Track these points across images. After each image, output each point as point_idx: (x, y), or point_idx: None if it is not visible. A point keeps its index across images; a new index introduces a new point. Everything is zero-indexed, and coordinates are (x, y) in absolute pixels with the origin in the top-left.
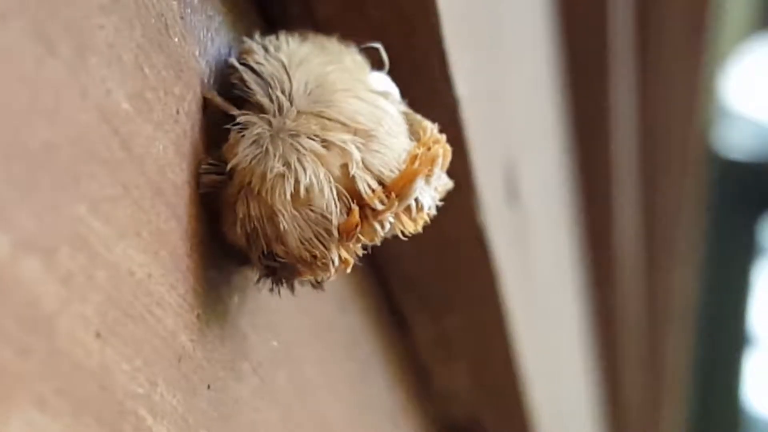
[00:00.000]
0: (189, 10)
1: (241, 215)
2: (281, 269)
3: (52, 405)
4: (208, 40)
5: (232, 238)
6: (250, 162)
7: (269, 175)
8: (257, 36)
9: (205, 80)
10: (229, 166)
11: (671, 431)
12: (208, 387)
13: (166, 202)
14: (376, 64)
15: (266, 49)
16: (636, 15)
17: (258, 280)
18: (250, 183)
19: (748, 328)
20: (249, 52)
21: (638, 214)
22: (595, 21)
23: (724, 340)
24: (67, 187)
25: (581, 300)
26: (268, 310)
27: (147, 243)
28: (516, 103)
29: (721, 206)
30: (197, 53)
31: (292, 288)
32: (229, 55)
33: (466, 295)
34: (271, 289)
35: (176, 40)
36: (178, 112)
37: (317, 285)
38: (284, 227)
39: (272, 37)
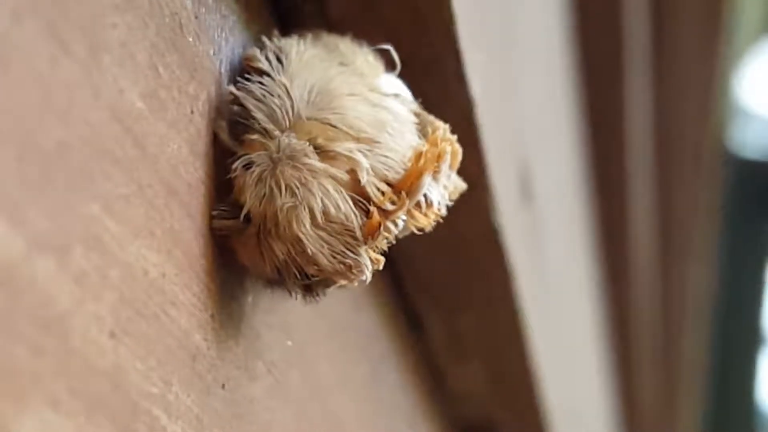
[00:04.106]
0: (203, 10)
1: (268, 258)
2: (316, 284)
3: (65, 404)
4: (222, 39)
5: (261, 273)
6: (260, 205)
7: (281, 214)
8: (265, 38)
9: (219, 80)
10: (242, 215)
11: (686, 430)
12: (222, 386)
13: (179, 202)
14: (391, 64)
15: (270, 54)
16: (651, 14)
17: (294, 294)
18: (266, 225)
19: (762, 326)
20: (252, 60)
21: (652, 213)
22: (609, 20)
23: (739, 339)
24: (80, 186)
25: (595, 299)
26: (282, 309)
27: (161, 242)
28: (530, 102)
29: (736, 205)
30: (211, 52)
31: (323, 294)
32: (243, 53)
33: (480, 295)
34: (306, 300)
35: (190, 39)
36: (192, 112)
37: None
38: (311, 251)
39: (281, 40)
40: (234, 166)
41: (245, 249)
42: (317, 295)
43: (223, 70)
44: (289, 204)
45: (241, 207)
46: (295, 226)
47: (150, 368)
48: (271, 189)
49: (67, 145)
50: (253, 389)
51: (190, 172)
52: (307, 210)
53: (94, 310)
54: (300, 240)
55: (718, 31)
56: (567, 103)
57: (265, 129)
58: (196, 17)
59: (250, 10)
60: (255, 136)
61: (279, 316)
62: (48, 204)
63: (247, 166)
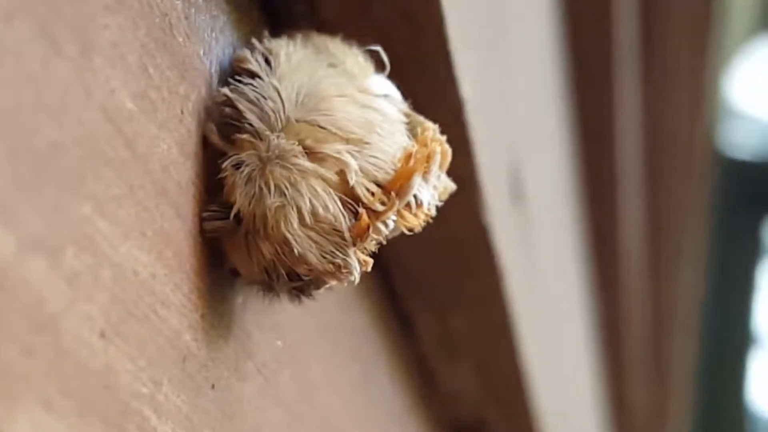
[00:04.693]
0: (193, 10)
1: (255, 258)
2: (307, 285)
3: (57, 405)
4: (212, 39)
5: (251, 275)
6: (249, 204)
7: (270, 213)
8: (254, 40)
9: (209, 80)
10: (232, 214)
11: (677, 430)
12: (213, 387)
13: (170, 202)
14: (381, 65)
15: (259, 56)
16: (641, 15)
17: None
18: (254, 225)
19: (752, 328)
20: (243, 61)
21: (643, 214)
22: (600, 21)
23: (729, 341)
24: (72, 186)
25: (586, 300)
26: (273, 309)
27: (151, 243)
28: (521, 103)
29: (726, 206)
30: (202, 53)
31: (313, 295)
32: (233, 54)
33: (470, 295)
34: (296, 302)
35: (180, 39)
36: (182, 112)
37: (327, 289)
38: (299, 251)
39: (270, 41)
40: (224, 165)
41: (236, 251)
42: (308, 296)
43: (213, 71)
44: (278, 203)
45: (231, 207)
46: (282, 226)
47: (140, 368)
48: (261, 189)
49: (60, 145)
50: (243, 389)
51: (181, 172)
52: (295, 210)
53: (86, 311)
54: (287, 240)
55: (708, 31)
56: (557, 104)
57: (256, 130)
58: (186, 18)
59: (241, 11)
60: (245, 136)
61: (269, 317)
62: (40, 204)
63: (237, 166)
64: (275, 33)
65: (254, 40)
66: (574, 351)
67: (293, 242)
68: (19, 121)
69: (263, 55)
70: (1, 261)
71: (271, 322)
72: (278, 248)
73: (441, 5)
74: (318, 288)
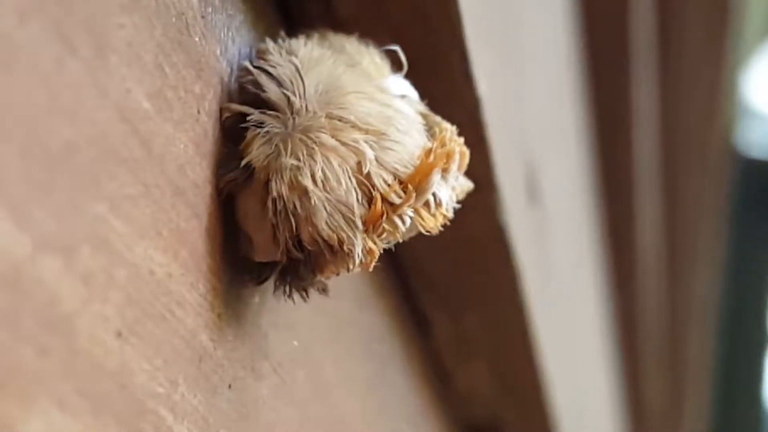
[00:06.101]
0: (210, 9)
1: (274, 193)
2: (304, 264)
3: (72, 404)
4: (228, 39)
5: (256, 229)
6: (264, 160)
7: (284, 171)
8: (270, 40)
9: (226, 79)
10: (243, 163)
11: (692, 430)
12: (229, 386)
13: (186, 202)
14: (397, 64)
15: (282, 51)
16: (657, 14)
17: (276, 286)
18: (269, 178)
19: None
20: (265, 53)
21: (659, 214)
22: (616, 20)
23: (745, 340)
24: (87, 186)
25: (602, 300)
26: (289, 309)
27: (167, 242)
28: (537, 102)
29: (742, 205)
30: (218, 52)
31: (306, 293)
32: (250, 54)
33: (486, 295)
34: (289, 295)
35: (197, 39)
36: (198, 111)
37: (323, 291)
38: (315, 202)
39: (290, 39)
40: (249, 118)
41: (250, 195)
42: (300, 281)
43: (229, 70)
44: (292, 164)
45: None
46: (301, 179)
47: (156, 368)
48: (277, 149)
49: (74, 145)
50: (259, 389)
51: (197, 171)
52: (308, 173)
53: (101, 311)
54: (306, 192)
55: (725, 31)
56: (574, 104)
57: (282, 96)
58: (203, 17)
59: (257, 10)
60: (278, 100)
61: (285, 316)
62: (55, 204)
63: (260, 125)
64: (291, 33)
65: (269, 40)
66: (589, 349)
67: (311, 193)
68: (33, 121)
69: (284, 50)
70: (16, 261)
71: (286, 321)
72: (295, 195)
73: (457, 4)
74: (313, 273)
